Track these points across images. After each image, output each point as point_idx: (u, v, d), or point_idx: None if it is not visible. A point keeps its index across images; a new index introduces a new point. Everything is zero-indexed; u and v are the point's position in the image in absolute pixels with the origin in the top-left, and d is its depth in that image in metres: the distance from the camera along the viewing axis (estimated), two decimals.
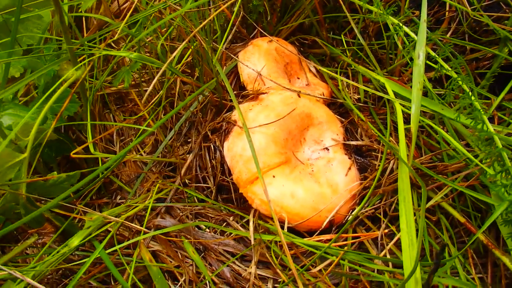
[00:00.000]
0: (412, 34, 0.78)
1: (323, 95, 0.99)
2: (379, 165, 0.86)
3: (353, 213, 0.82)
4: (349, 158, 0.90)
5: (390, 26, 0.90)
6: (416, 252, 0.58)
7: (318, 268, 0.75)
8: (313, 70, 1.05)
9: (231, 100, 0.97)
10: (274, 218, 0.74)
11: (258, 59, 0.95)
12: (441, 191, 0.75)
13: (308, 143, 0.93)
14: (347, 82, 0.97)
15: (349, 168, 0.88)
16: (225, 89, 0.97)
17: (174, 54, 0.79)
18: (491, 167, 0.66)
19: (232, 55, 0.94)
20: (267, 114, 0.87)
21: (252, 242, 0.80)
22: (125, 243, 0.79)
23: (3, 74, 0.79)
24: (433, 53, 0.75)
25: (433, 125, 0.77)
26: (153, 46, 0.94)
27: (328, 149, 0.91)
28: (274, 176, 0.83)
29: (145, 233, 0.82)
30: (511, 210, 0.61)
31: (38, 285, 0.65)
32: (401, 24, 0.79)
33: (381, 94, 0.86)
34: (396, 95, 0.86)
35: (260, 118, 0.86)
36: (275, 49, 0.99)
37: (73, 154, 0.80)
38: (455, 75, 0.71)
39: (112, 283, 0.88)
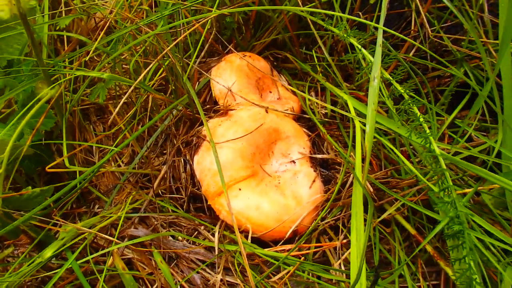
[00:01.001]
0: (369, 57, 0.82)
1: (293, 109, 1.04)
2: (339, 179, 0.90)
3: (313, 223, 0.87)
4: (314, 171, 0.94)
5: (355, 44, 0.95)
6: (360, 263, 0.62)
7: (277, 277, 0.79)
8: (286, 84, 1.10)
9: (205, 113, 1.02)
10: (235, 229, 0.79)
11: (230, 75, 0.99)
12: (394, 205, 0.80)
13: (276, 156, 0.97)
14: (314, 100, 1.01)
15: (314, 181, 0.92)
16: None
17: (144, 72, 0.84)
18: (436, 185, 0.71)
19: (203, 72, 0.98)
20: (235, 130, 0.91)
21: (217, 252, 0.85)
22: (98, 253, 0.84)
23: None
24: (388, 76, 0.80)
25: (387, 143, 0.82)
26: (129, 62, 0.99)
27: (294, 162, 0.96)
28: (240, 189, 0.88)
29: (117, 243, 0.87)
30: (452, 225, 0.66)
31: None
32: (359, 47, 0.84)
33: (343, 112, 0.90)
34: (358, 113, 0.91)
35: (228, 134, 0.91)
36: (246, 65, 1.03)
37: (48, 168, 0.84)
38: (406, 97, 0.76)
39: None
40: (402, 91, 0.76)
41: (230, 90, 0.97)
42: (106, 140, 1.12)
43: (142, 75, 0.79)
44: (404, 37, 0.81)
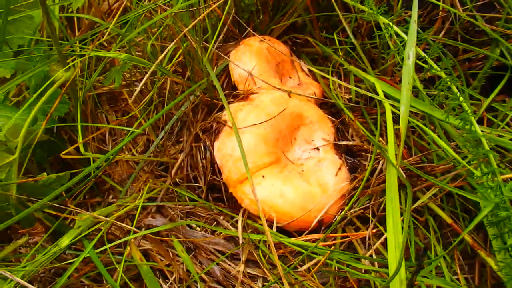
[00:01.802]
0: (403, 34, 0.78)
1: (315, 95, 0.99)
2: (368, 165, 0.86)
3: (341, 213, 0.82)
4: (340, 158, 0.90)
5: (382, 26, 0.90)
6: (401, 252, 0.58)
7: (305, 267, 0.75)
8: (305, 69, 1.05)
9: (221, 100, 0.98)
10: (262, 218, 0.74)
11: (250, 58, 0.95)
12: (429, 192, 0.75)
13: (298, 143, 0.93)
14: (338, 82, 0.96)
15: (339, 168, 0.88)
16: (216, 89, 0.97)
17: (163, 54, 0.80)
18: (478, 169, 0.66)
19: (223, 55, 0.94)
20: (257, 114, 0.87)
21: (241, 241, 0.80)
22: (115, 242, 0.80)
23: None
24: (423, 54, 0.75)
25: (422, 126, 0.77)
26: (144, 46, 0.95)
27: (318, 149, 0.91)
28: (263, 176, 0.84)
29: (135, 232, 0.83)
30: (497, 212, 0.61)
31: (27, 284, 0.65)
32: (391, 24, 0.79)
33: (371, 94, 0.86)
34: (387, 95, 0.86)
35: (250, 118, 0.87)
36: (266, 48, 0.98)
37: (63, 155, 0.80)
38: (444, 75, 0.71)
39: (105, 281, 0.89)
40: (439, 70, 0.72)
41: (251, 74, 0.93)
42: (119, 129, 1.08)
43: (162, 55, 0.75)
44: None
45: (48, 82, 0.78)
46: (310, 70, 1.06)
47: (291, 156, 0.91)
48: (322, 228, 0.85)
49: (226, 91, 1.00)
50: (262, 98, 0.90)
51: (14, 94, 0.97)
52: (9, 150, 0.74)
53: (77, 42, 0.86)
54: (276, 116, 0.88)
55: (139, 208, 0.86)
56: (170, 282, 0.86)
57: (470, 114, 0.66)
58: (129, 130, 0.92)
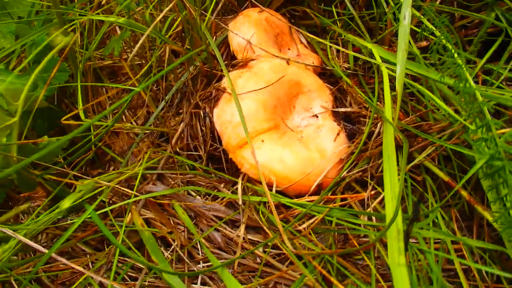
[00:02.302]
0: None
1: (313, 65, 1.00)
2: (365, 130, 0.86)
3: (339, 175, 0.83)
4: (338, 125, 0.91)
5: None
6: (397, 202, 0.59)
7: (304, 225, 0.76)
8: (304, 41, 1.06)
9: (221, 70, 0.98)
10: (262, 180, 0.75)
11: (248, 28, 0.95)
12: (425, 151, 0.76)
13: (297, 110, 0.93)
14: (337, 48, 0.97)
15: (338, 134, 0.89)
16: (215, 58, 0.98)
17: (159, 16, 0.80)
18: (473, 124, 0.67)
19: (221, 24, 0.95)
20: (256, 81, 0.88)
21: (240, 203, 0.81)
22: (117, 205, 0.81)
23: None
24: (418, 14, 0.76)
25: (418, 86, 0.78)
26: (143, 15, 0.95)
27: (317, 116, 0.92)
28: (263, 141, 0.84)
29: (136, 196, 0.83)
30: (491, 163, 0.62)
31: (30, 242, 0.66)
32: None
33: (368, 59, 0.86)
34: (384, 60, 0.87)
35: (249, 85, 0.87)
36: (265, 19, 0.99)
37: (64, 120, 0.81)
38: (438, 33, 0.72)
39: (105, 248, 0.90)
40: (434, 29, 0.72)
41: (249, 42, 0.93)
42: (118, 100, 1.09)
43: (159, 18, 0.76)
44: None
45: (43, 44, 0.78)
46: (308, 42, 1.07)
47: (290, 124, 0.91)
48: (322, 192, 0.86)
49: (225, 62, 1.00)
50: (261, 65, 0.90)
51: (14, 66, 0.98)
52: (10, 114, 0.75)
53: (77, 4, 0.86)
54: (274, 82, 0.88)
55: (139, 175, 0.87)
56: (172, 248, 0.87)
57: (465, 70, 0.66)
58: (131, 99, 0.92)
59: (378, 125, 0.86)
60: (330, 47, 0.99)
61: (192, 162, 0.95)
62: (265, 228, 0.77)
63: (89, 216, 0.74)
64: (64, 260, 0.68)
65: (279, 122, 0.89)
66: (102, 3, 0.92)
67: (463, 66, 0.66)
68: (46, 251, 0.67)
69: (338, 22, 1.06)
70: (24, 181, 0.79)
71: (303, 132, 0.91)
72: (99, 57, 1.05)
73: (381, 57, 0.86)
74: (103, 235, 0.86)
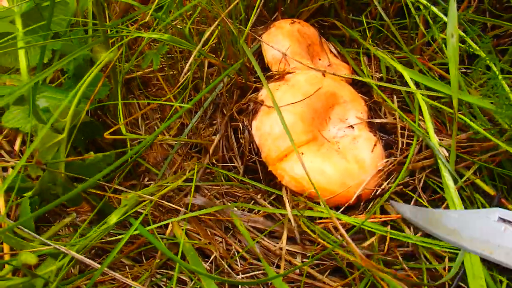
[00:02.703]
0: (441, 14, 0.79)
1: (346, 75, 1.01)
2: (405, 143, 0.88)
3: (381, 187, 0.84)
4: (374, 135, 0.92)
5: (410, 6, 0.92)
6: None
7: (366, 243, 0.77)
8: (334, 51, 1.07)
9: (255, 82, 0.99)
10: (321, 199, 0.75)
11: (282, 40, 0.96)
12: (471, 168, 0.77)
13: (333, 121, 0.94)
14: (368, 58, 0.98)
15: (375, 145, 0.89)
16: (250, 70, 0.99)
17: (205, 35, 0.81)
18: None
19: (257, 36, 0.95)
20: (293, 93, 0.89)
21: (292, 219, 0.81)
22: (163, 223, 0.81)
23: (39, 58, 0.80)
24: (462, 34, 0.77)
25: (466, 119, 0.79)
26: (178, 29, 0.96)
27: (353, 127, 0.93)
28: (302, 153, 0.85)
29: (180, 211, 0.84)
30: None
31: (84, 259, 0.67)
32: (428, 4, 0.81)
33: (399, 87, 0.87)
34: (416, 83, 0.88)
35: (286, 97, 0.88)
36: (297, 30, 1.00)
37: (107, 135, 0.82)
38: (483, 55, 0.72)
39: (144, 261, 0.91)
40: (478, 49, 0.73)
41: (285, 54, 0.94)
42: (151, 113, 1.10)
43: (206, 35, 0.77)
44: None
45: (95, 67, 0.79)
46: (338, 52, 1.08)
47: (326, 135, 0.92)
48: (361, 203, 0.87)
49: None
50: (298, 78, 0.91)
51: (50, 80, 0.99)
52: (57, 130, 0.76)
53: (118, 24, 0.87)
54: (311, 95, 0.89)
55: (177, 184, 0.87)
56: (211, 259, 0.88)
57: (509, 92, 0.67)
58: (163, 114, 0.93)
59: (419, 139, 0.87)
60: (362, 56, 1.00)
61: (229, 173, 0.96)
62: (320, 240, 0.78)
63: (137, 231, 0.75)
64: (116, 275, 0.69)
65: (316, 133, 0.90)
66: (138, 19, 0.93)
67: (506, 88, 0.67)
68: (98, 266, 0.67)
69: (367, 32, 1.07)
70: (70, 196, 0.79)
71: (340, 143, 0.92)
72: (132, 70, 1.06)
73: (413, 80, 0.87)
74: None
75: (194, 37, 0.94)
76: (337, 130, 0.93)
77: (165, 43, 0.88)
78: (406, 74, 0.91)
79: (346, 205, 0.86)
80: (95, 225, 0.80)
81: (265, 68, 1.01)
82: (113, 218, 0.76)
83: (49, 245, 0.65)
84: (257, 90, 0.97)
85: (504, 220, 0.72)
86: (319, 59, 1.05)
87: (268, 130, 0.87)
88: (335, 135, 0.93)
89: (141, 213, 0.86)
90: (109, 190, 0.85)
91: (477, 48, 0.74)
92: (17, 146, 0.98)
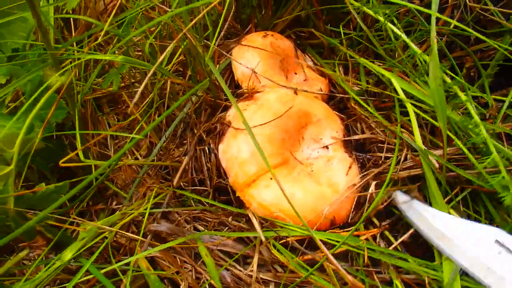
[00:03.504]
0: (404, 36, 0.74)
1: (322, 91, 0.96)
2: (385, 157, 0.83)
3: (360, 211, 0.79)
4: (350, 156, 0.87)
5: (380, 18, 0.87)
6: None
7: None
8: (311, 64, 1.01)
9: (225, 100, 0.94)
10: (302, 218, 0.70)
11: (253, 55, 0.91)
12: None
13: (306, 142, 0.89)
14: (346, 69, 0.93)
15: (350, 167, 0.84)
16: (219, 88, 0.94)
17: (163, 55, 0.76)
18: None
19: (225, 53, 0.90)
20: (262, 114, 0.84)
21: (263, 238, 0.76)
22: (122, 262, 0.76)
23: None
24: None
25: (454, 138, 0.75)
26: (142, 46, 0.91)
27: (327, 147, 0.88)
28: (271, 178, 0.80)
29: (142, 241, 0.80)
30: None
31: None
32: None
33: (390, 93, 0.82)
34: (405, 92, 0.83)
35: (255, 118, 0.83)
36: (270, 44, 0.95)
37: (62, 163, 0.77)
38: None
39: None
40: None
41: (254, 72, 0.89)
42: (120, 131, 1.05)
43: (162, 57, 0.72)
44: None
45: (43, 87, 0.74)
46: (315, 65, 1.02)
47: (299, 156, 0.87)
48: (337, 227, 0.82)
49: (230, 90, 0.96)
50: (267, 97, 0.86)
51: (10, 100, 0.94)
52: (5, 161, 0.71)
53: (74, 44, 0.82)
54: (281, 115, 0.84)
55: (146, 216, 0.83)
56: None
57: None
58: (130, 137, 0.88)
59: (402, 152, 0.82)
60: (338, 68, 0.95)
61: (198, 196, 0.91)
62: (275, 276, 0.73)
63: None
64: None
65: (288, 156, 0.85)
66: (99, 35, 0.88)
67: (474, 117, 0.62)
68: None
69: (344, 42, 1.01)
70: (21, 231, 0.75)
71: (313, 165, 0.87)
72: (97, 88, 1.01)
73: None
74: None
75: (158, 54, 0.88)
76: (311, 151, 0.88)
77: (126, 65, 0.83)
78: (395, 80, 0.86)
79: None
80: (54, 259, 0.75)
81: (236, 85, 0.96)
82: (67, 254, 0.71)
83: None
84: (227, 108, 0.92)
85: (500, 243, 0.69)
86: (295, 73, 0.99)
87: (235, 154, 0.82)
88: (309, 156, 0.88)
89: (105, 240, 0.81)
90: (67, 222, 0.81)
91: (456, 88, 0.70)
92: None
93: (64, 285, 0.84)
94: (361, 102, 0.91)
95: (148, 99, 0.88)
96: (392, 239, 0.80)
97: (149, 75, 0.70)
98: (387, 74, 0.85)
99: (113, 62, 1.03)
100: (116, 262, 0.81)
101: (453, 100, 0.81)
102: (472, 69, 0.91)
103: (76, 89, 0.91)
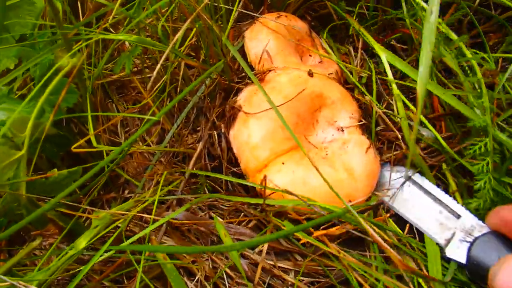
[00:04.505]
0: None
1: (338, 72, 0.93)
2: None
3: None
4: (368, 138, 0.83)
5: None
6: None
7: None
8: (326, 46, 0.98)
9: (237, 83, 0.91)
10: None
11: (266, 36, 0.88)
12: None
13: (321, 125, 0.86)
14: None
15: (367, 149, 0.81)
16: (233, 70, 0.91)
17: (177, 35, 0.73)
18: None
19: (238, 34, 0.87)
20: (274, 97, 0.79)
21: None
22: (135, 237, 0.74)
23: None
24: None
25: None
26: (154, 28, 0.88)
27: (343, 130, 0.85)
28: (283, 163, 0.77)
29: (156, 230, 0.77)
30: None
31: None
32: None
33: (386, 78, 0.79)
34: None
35: (266, 102, 0.80)
36: (284, 25, 0.91)
37: (74, 148, 0.75)
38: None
39: (125, 282, 0.84)
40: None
41: (268, 53, 0.86)
42: (131, 119, 1.02)
43: (176, 37, 0.69)
44: None
45: (53, 70, 0.71)
46: (330, 47, 0.99)
47: (313, 140, 0.84)
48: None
49: (243, 74, 0.93)
50: (279, 79, 0.83)
51: (19, 87, 0.91)
52: (16, 146, 0.68)
53: (83, 26, 0.79)
54: (293, 98, 0.81)
55: (155, 203, 0.80)
56: (196, 279, 0.81)
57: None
58: (144, 118, 0.86)
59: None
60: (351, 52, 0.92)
61: (212, 185, 0.88)
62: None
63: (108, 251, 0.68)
64: None
65: (301, 140, 0.82)
66: (108, 18, 0.85)
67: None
68: None
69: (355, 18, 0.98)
70: (34, 218, 0.73)
71: (328, 149, 0.84)
72: (107, 73, 0.98)
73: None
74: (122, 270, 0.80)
75: (170, 37, 0.85)
76: (326, 135, 0.85)
77: (138, 47, 0.80)
78: (383, 54, 0.83)
79: None
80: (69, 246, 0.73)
81: (250, 67, 0.93)
82: (81, 242, 0.69)
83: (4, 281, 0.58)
84: (238, 91, 0.89)
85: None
86: (310, 55, 0.96)
87: (245, 139, 0.79)
88: (324, 140, 0.85)
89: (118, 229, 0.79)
90: (81, 208, 0.78)
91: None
92: None
93: (77, 273, 0.83)
94: (359, 85, 0.88)
95: (160, 83, 0.85)
96: None
97: (164, 55, 0.67)
98: (376, 46, 0.82)
99: (123, 47, 1.00)
100: (130, 252, 0.78)
101: None
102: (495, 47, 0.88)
103: (86, 74, 0.88)
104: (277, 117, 0.78)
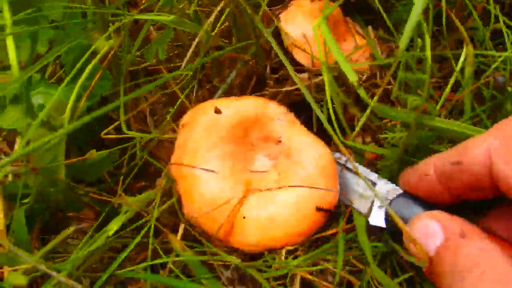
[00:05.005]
0: None
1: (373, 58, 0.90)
2: None
3: None
4: (308, 132, 0.75)
5: None
6: None
7: None
8: (361, 31, 0.96)
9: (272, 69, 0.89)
10: None
11: (304, 19, 0.86)
12: None
13: (258, 147, 0.75)
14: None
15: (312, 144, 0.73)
16: (267, 53, 0.89)
17: (211, 17, 0.71)
18: None
19: (273, 17, 0.85)
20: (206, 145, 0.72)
21: None
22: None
23: (30, 50, 0.72)
24: None
25: None
26: (184, 13, 0.86)
27: (280, 141, 0.75)
28: (244, 217, 0.67)
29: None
30: None
31: (74, 283, 0.58)
32: None
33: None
34: None
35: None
36: (319, 8, 0.89)
37: (104, 134, 0.73)
38: None
39: (161, 271, 0.82)
40: None
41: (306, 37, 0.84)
42: (160, 108, 1.01)
43: (213, 16, 0.67)
44: None
45: (87, 54, 0.70)
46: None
47: (258, 167, 0.73)
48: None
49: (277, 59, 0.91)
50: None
51: (49, 75, 0.90)
52: (54, 129, 0.67)
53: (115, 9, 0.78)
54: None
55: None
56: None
57: None
58: (175, 106, 0.84)
59: None
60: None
61: None
62: None
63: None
64: None
65: (247, 176, 0.71)
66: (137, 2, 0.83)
67: None
68: None
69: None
70: (70, 202, 0.71)
71: (277, 167, 0.73)
72: (135, 61, 0.97)
73: None
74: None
75: (203, 21, 0.84)
76: (266, 155, 0.75)
77: (170, 30, 0.78)
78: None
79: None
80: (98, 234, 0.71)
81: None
82: (113, 227, 0.67)
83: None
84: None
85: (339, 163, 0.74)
86: (344, 40, 0.94)
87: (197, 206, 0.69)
88: (266, 162, 0.74)
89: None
90: (118, 194, 0.77)
91: None
92: None
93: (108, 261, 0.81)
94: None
95: (195, 63, 0.81)
96: None
97: (198, 37, 0.65)
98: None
99: (151, 36, 0.99)
100: (160, 242, 0.76)
101: None
102: None
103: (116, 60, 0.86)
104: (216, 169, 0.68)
